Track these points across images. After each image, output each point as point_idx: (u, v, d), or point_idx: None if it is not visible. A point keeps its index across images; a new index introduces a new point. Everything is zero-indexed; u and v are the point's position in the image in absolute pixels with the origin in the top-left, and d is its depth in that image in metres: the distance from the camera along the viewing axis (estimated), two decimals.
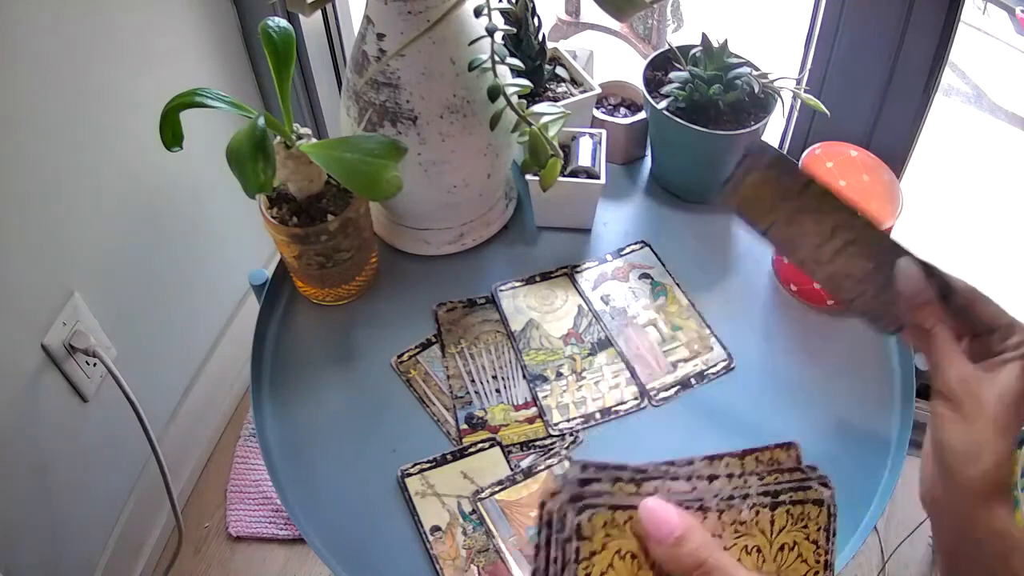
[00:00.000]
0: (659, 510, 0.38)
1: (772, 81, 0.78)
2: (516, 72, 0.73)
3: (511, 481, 0.65)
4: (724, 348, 0.74)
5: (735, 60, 0.79)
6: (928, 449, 0.47)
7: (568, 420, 0.70)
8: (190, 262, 1.17)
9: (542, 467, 0.66)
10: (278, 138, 0.66)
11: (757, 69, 0.79)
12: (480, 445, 0.68)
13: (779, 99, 0.78)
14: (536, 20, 0.82)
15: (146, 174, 1.04)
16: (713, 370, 0.73)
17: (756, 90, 0.77)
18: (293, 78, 0.80)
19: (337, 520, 0.65)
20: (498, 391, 0.72)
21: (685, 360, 0.73)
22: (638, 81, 0.84)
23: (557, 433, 0.69)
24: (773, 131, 0.95)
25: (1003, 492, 0.44)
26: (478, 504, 0.64)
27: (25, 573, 0.93)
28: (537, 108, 0.69)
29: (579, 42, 2.06)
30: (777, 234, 0.55)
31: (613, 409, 0.70)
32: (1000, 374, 0.46)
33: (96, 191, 0.96)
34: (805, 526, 0.40)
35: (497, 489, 0.65)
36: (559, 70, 0.88)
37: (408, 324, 0.76)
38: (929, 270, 0.53)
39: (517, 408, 0.71)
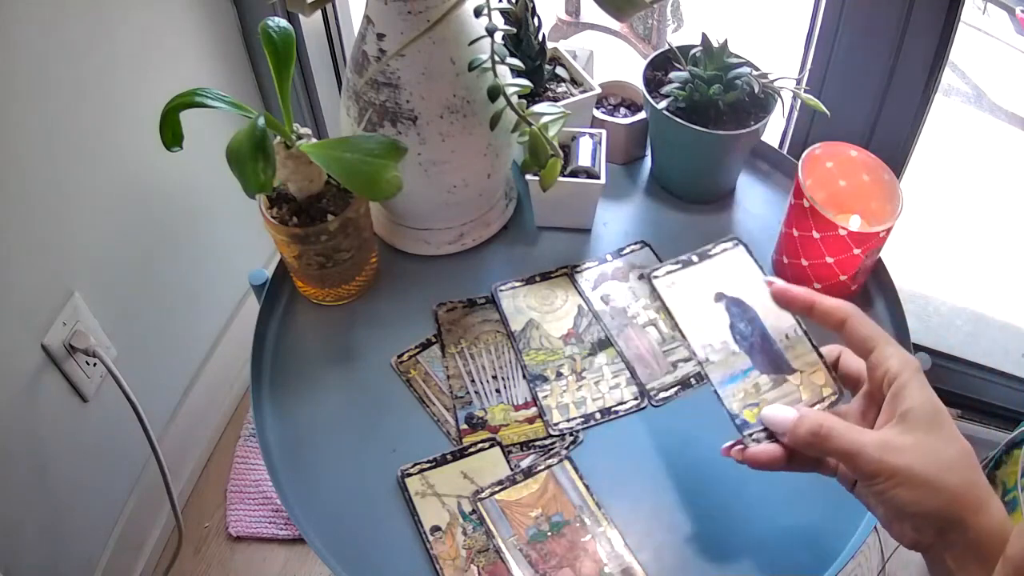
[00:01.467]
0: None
1: (772, 81, 0.78)
2: (516, 72, 0.73)
3: (511, 481, 0.65)
4: None
5: (735, 60, 0.79)
6: (886, 516, 0.48)
7: (568, 420, 0.70)
8: (190, 262, 1.17)
9: (542, 467, 0.66)
10: (278, 138, 0.66)
11: (757, 69, 0.79)
12: (480, 445, 0.68)
13: (779, 99, 0.78)
14: (536, 20, 0.82)
15: (146, 174, 1.04)
16: None
17: (756, 90, 0.77)
18: (293, 78, 0.80)
19: (337, 520, 0.65)
20: (498, 391, 0.72)
21: (685, 360, 0.73)
22: (638, 81, 0.84)
23: (557, 433, 0.69)
24: (773, 131, 0.95)
25: (985, 493, 0.45)
26: (478, 504, 0.64)
27: (25, 573, 0.93)
28: (537, 108, 0.69)
29: (579, 42, 2.06)
30: None
31: (613, 409, 0.70)
32: (896, 423, 0.48)
33: (96, 191, 0.96)
34: None
35: (497, 489, 0.65)
36: (559, 70, 0.88)
37: (408, 324, 0.76)
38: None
39: (517, 408, 0.71)
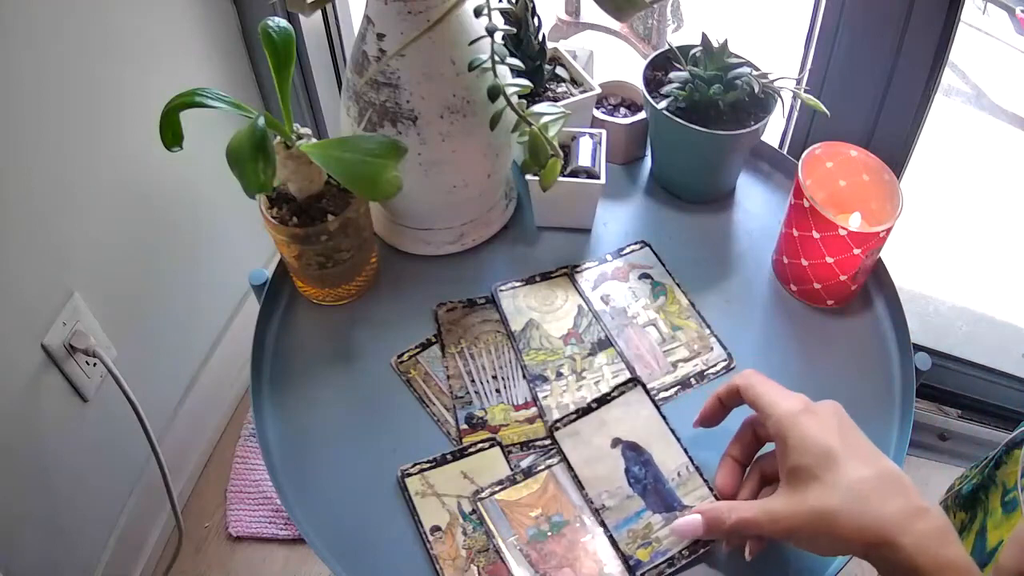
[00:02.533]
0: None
1: (772, 81, 0.78)
2: (516, 72, 0.73)
3: (511, 481, 0.65)
4: (724, 348, 0.74)
5: (735, 60, 0.79)
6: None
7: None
8: (190, 262, 1.17)
9: (542, 467, 0.66)
10: (278, 138, 0.66)
11: (757, 69, 0.79)
12: (480, 445, 0.68)
13: (779, 99, 0.78)
14: (536, 20, 0.82)
15: (146, 174, 1.04)
16: (713, 370, 0.73)
17: (756, 90, 0.77)
18: (293, 78, 0.80)
19: (337, 520, 0.65)
20: (498, 391, 0.72)
21: (685, 360, 0.73)
22: (638, 81, 0.84)
23: (553, 445, 0.69)
24: (773, 131, 0.95)
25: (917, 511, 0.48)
26: (478, 504, 0.64)
27: (25, 573, 0.93)
28: (537, 108, 0.69)
29: (579, 42, 2.06)
30: None
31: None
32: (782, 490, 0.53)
33: (96, 191, 0.96)
34: None
35: (497, 489, 0.65)
36: (559, 70, 0.88)
37: (408, 324, 0.76)
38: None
39: (517, 408, 0.71)
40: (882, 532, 0.47)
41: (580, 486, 0.65)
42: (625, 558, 0.61)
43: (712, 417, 0.63)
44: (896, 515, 0.47)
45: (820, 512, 0.49)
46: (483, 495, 0.65)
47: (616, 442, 0.67)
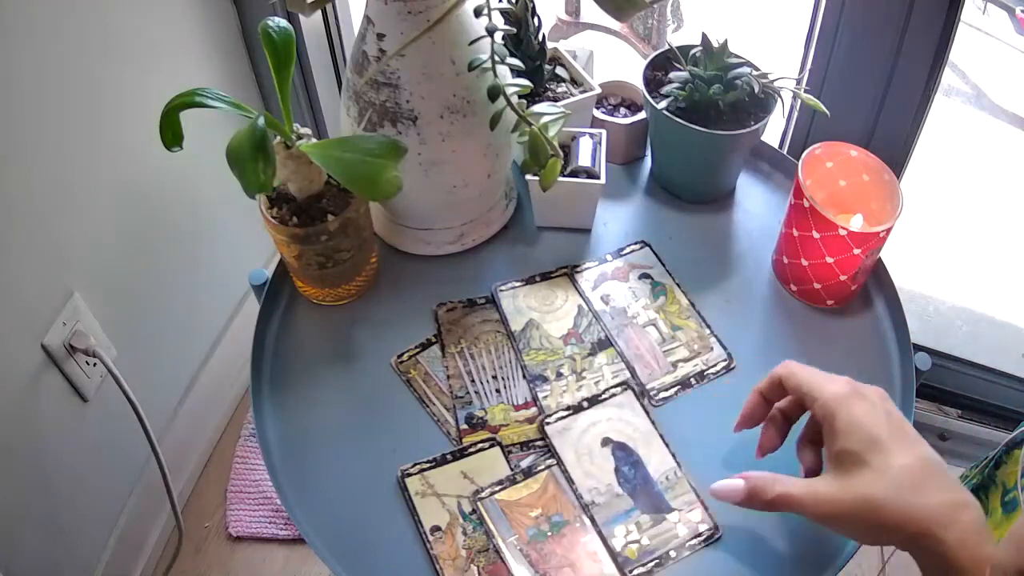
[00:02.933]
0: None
1: (772, 81, 0.78)
2: (516, 72, 0.73)
3: (511, 481, 0.65)
4: (724, 348, 0.74)
5: (735, 60, 0.79)
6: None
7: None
8: (190, 262, 1.17)
9: (542, 467, 0.66)
10: (278, 138, 0.66)
11: (757, 69, 0.79)
12: (480, 445, 0.68)
13: (779, 99, 0.78)
14: (536, 20, 0.82)
15: (146, 174, 1.04)
16: (713, 370, 0.73)
17: (756, 90, 0.77)
18: (293, 78, 0.80)
19: (337, 520, 0.65)
20: (498, 391, 0.72)
21: (685, 360, 0.73)
22: (638, 81, 0.84)
23: (543, 441, 0.69)
24: (773, 131, 0.95)
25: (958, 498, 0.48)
26: (478, 504, 0.64)
27: (25, 573, 0.93)
28: (537, 108, 0.69)
29: (579, 42, 2.06)
30: None
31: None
32: (834, 474, 0.52)
33: (96, 191, 0.96)
34: None
35: (497, 489, 0.65)
36: (559, 70, 0.88)
37: (408, 324, 0.76)
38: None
39: (517, 408, 0.71)
40: (925, 524, 0.47)
41: (571, 481, 0.65)
42: (614, 555, 0.61)
43: (754, 414, 0.61)
44: (940, 507, 0.47)
45: (866, 500, 0.48)
46: (483, 495, 0.65)
47: (606, 441, 0.67)
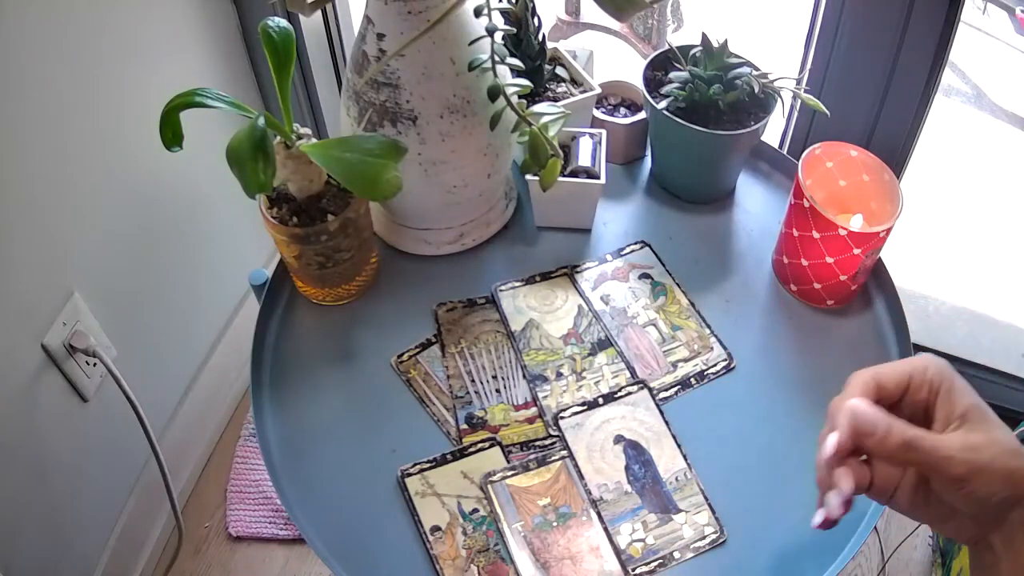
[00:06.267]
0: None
1: (772, 81, 0.78)
2: (516, 72, 0.73)
3: (523, 468, 0.66)
4: (724, 348, 0.74)
5: (735, 60, 0.79)
6: (944, 515, 0.48)
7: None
8: (190, 262, 1.17)
9: (556, 457, 0.67)
10: (278, 138, 0.66)
11: (757, 69, 0.79)
12: (480, 445, 0.68)
13: (779, 99, 0.78)
14: (536, 20, 0.82)
15: (146, 174, 1.04)
16: (713, 370, 0.73)
17: (756, 90, 0.77)
18: (293, 78, 0.80)
19: (337, 520, 0.65)
20: (498, 391, 0.72)
21: (685, 360, 0.73)
22: (638, 81, 0.84)
23: (557, 433, 0.69)
24: (773, 131, 0.95)
25: None
26: (487, 486, 0.64)
27: (25, 572, 0.93)
28: (537, 108, 0.69)
29: (579, 42, 2.06)
30: None
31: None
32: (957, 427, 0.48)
33: (96, 191, 0.96)
34: None
35: (509, 474, 0.65)
36: (559, 70, 0.88)
37: (408, 324, 0.76)
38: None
39: (517, 408, 0.71)
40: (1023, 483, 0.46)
41: (581, 476, 0.65)
42: (618, 552, 0.61)
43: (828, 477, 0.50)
44: None
45: (1002, 446, 0.47)
46: (494, 478, 0.65)
47: (619, 439, 0.67)
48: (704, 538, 0.62)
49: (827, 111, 0.75)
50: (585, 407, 0.69)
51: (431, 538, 0.63)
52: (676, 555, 0.62)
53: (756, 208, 0.86)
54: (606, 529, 0.62)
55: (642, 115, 0.86)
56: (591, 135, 0.81)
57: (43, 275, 0.90)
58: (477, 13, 0.65)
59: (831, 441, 0.48)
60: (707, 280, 0.80)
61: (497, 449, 0.68)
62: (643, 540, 0.62)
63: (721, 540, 0.62)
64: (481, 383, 0.72)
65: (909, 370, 0.51)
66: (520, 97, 0.71)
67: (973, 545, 0.49)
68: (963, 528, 0.48)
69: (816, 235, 0.71)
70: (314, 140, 0.67)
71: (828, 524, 0.49)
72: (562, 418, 0.68)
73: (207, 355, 1.27)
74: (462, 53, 0.67)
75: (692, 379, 0.72)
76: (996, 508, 0.46)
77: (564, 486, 0.65)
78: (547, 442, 0.68)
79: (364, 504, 0.66)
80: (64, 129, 0.89)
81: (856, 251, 0.70)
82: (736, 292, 0.79)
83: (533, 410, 0.70)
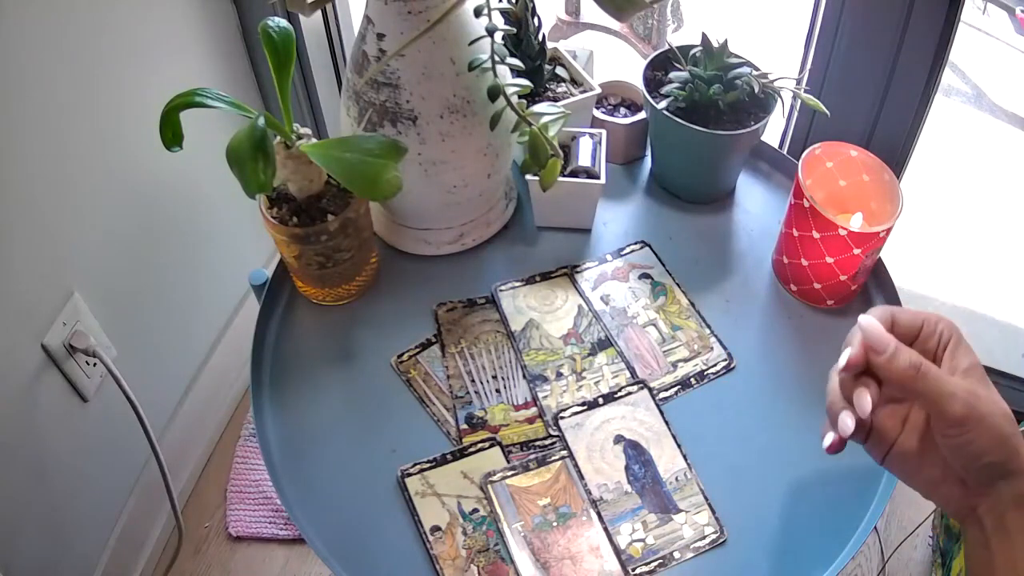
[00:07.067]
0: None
1: (772, 81, 0.78)
2: (516, 72, 0.73)
3: (523, 468, 0.66)
4: (724, 348, 0.74)
5: (735, 60, 0.79)
6: (934, 479, 0.49)
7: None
8: (190, 262, 1.17)
9: (556, 457, 0.67)
10: (278, 138, 0.66)
11: (757, 69, 0.79)
12: (480, 445, 0.68)
13: (779, 99, 0.78)
14: (536, 20, 0.82)
15: (146, 174, 1.04)
16: (713, 370, 0.73)
17: (756, 90, 0.77)
18: (293, 78, 0.80)
19: (337, 520, 0.65)
20: (498, 391, 0.72)
21: (685, 360, 0.73)
22: (638, 81, 0.84)
23: (557, 433, 0.69)
24: (773, 131, 0.95)
25: None
26: (487, 486, 0.64)
27: (25, 572, 0.93)
28: (537, 108, 0.69)
29: (579, 42, 2.06)
30: None
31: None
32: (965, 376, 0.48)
33: (96, 191, 0.96)
34: None
35: (509, 474, 0.65)
36: (559, 70, 0.88)
37: (408, 324, 0.76)
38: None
39: (517, 408, 0.71)
40: (1014, 454, 0.46)
41: (581, 476, 0.65)
42: (618, 552, 0.61)
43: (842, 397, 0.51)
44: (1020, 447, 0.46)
45: (1001, 408, 0.47)
46: (494, 478, 0.65)
47: (619, 439, 0.67)
48: (704, 538, 0.62)
49: (827, 111, 0.75)
50: (585, 407, 0.69)
51: (431, 538, 0.63)
52: (676, 555, 0.62)
53: (756, 208, 0.86)
54: (606, 529, 0.62)
55: (642, 115, 0.86)
56: (591, 135, 0.82)
57: (43, 275, 0.90)
58: (477, 13, 0.65)
59: (845, 355, 0.49)
60: (707, 280, 0.80)
61: (497, 449, 0.68)
62: (643, 540, 0.62)
63: (721, 540, 0.62)
64: (481, 383, 0.72)
65: (923, 317, 0.51)
66: (520, 97, 0.71)
67: (962, 521, 0.49)
68: (952, 495, 0.48)
69: (816, 235, 0.71)
70: (314, 140, 0.67)
71: (837, 447, 0.50)
72: (562, 418, 0.68)
73: (207, 355, 1.27)
74: (462, 53, 0.67)
75: (692, 379, 0.72)
76: (985, 471, 0.47)
77: (564, 486, 0.65)
78: (547, 442, 0.68)
79: (364, 504, 0.66)
80: (64, 129, 0.89)
81: (856, 251, 0.70)
82: (736, 292, 0.79)
83: (533, 410, 0.70)
